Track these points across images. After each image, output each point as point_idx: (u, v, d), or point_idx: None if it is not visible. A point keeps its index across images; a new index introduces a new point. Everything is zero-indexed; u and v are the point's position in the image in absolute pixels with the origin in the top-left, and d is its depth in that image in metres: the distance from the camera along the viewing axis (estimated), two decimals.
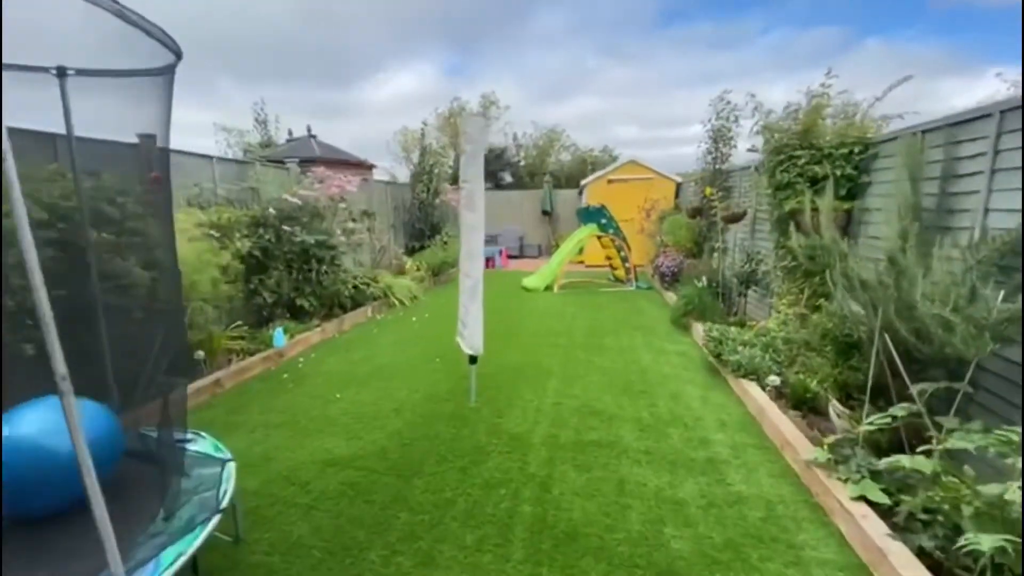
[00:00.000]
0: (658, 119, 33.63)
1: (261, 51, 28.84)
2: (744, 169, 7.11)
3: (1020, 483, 1.89)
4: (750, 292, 6.49)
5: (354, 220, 7.85)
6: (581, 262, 12.73)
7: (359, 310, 7.24)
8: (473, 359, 4.03)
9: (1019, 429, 2.06)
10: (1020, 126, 2.59)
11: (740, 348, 4.65)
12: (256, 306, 6.02)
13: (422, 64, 32.48)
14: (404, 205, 11.33)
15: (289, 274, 6.19)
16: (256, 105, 13.64)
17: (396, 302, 7.93)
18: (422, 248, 11.05)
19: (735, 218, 6.86)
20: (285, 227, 5.93)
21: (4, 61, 1.45)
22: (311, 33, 28.60)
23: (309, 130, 11.24)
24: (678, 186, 12.42)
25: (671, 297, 8.13)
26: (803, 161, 4.65)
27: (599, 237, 10.08)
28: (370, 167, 11.48)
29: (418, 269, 9.76)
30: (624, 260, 9.92)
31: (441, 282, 10.45)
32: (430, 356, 5.35)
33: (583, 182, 13.46)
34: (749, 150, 8.01)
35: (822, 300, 4.86)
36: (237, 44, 27.06)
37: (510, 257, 14.39)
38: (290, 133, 13.10)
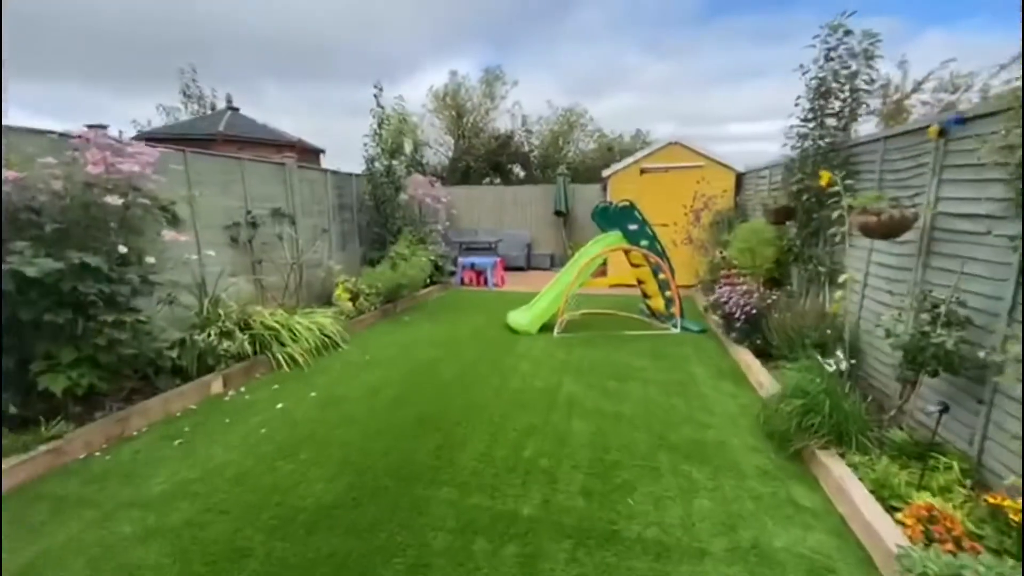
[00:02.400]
0: (697, 115, 29.85)
1: (300, 52, 27.56)
2: (910, 133, 3.68)
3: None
4: (929, 378, 3.10)
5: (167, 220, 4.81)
6: (614, 285, 9.05)
7: (199, 381, 4.19)
8: None
9: None
10: None
11: None
12: None
13: (460, 62, 29.91)
14: (361, 204, 8.38)
15: (18, 334, 3.18)
16: (185, 75, 10.80)
17: (283, 360, 4.82)
18: (381, 260, 8.06)
19: (893, 228, 3.43)
20: None
21: None
22: (350, 33, 27.01)
23: (229, 100, 8.33)
24: (739, 177, 8.93)
25: (745, 357, 4.76)
26: None
27: (626, 251, 6.71)
28: (313, 152, 8.45)
29: (352, 299, 6.63)
30: (663, 287, 6.54)
31: (395, 312, 7.35)
32: (193, 548, 2.20)
33: (606, 172, 10.08)
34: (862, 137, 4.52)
35: None
36: (276, 46, 25.60)
37: (509, 269, 11.13)
38: (213, 108, 10.27)
